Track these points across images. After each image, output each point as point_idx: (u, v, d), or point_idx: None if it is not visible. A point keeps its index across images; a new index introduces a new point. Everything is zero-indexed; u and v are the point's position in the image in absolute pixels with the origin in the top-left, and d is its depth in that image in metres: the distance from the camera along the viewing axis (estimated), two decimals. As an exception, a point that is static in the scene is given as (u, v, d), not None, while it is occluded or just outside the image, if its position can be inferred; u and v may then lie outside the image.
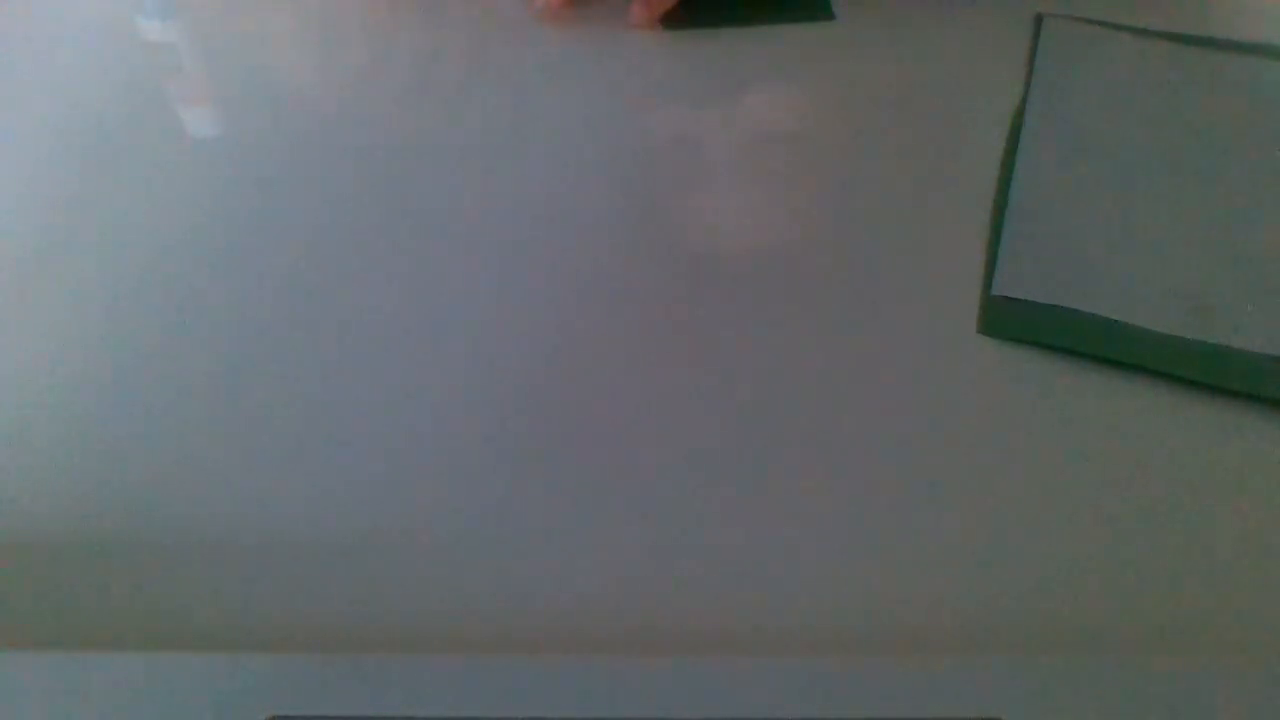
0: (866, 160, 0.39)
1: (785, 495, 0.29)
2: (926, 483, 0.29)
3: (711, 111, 0.39)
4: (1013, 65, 0.42)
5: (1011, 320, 0.33)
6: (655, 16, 0.45)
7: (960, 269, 0.35)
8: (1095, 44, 0.43)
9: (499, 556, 0.27)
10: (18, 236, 0.36)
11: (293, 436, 0.30)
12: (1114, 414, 0.30)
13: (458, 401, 0.31)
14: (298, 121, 0.40)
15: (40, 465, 0.30)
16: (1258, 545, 0.27)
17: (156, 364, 0.32)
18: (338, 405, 0.31)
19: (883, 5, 0.46)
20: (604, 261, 0.35)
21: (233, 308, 0.34)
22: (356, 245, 0.36)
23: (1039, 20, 0.45)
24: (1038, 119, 0.39)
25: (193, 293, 0.34)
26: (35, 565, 0.27)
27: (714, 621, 0.26)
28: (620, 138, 0.40)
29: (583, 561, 0.27)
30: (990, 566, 0.27)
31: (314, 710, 0.23)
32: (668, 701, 0.23)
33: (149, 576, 0.27)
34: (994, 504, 0.28)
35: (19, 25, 0.45)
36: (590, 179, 0.38)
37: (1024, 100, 0.40)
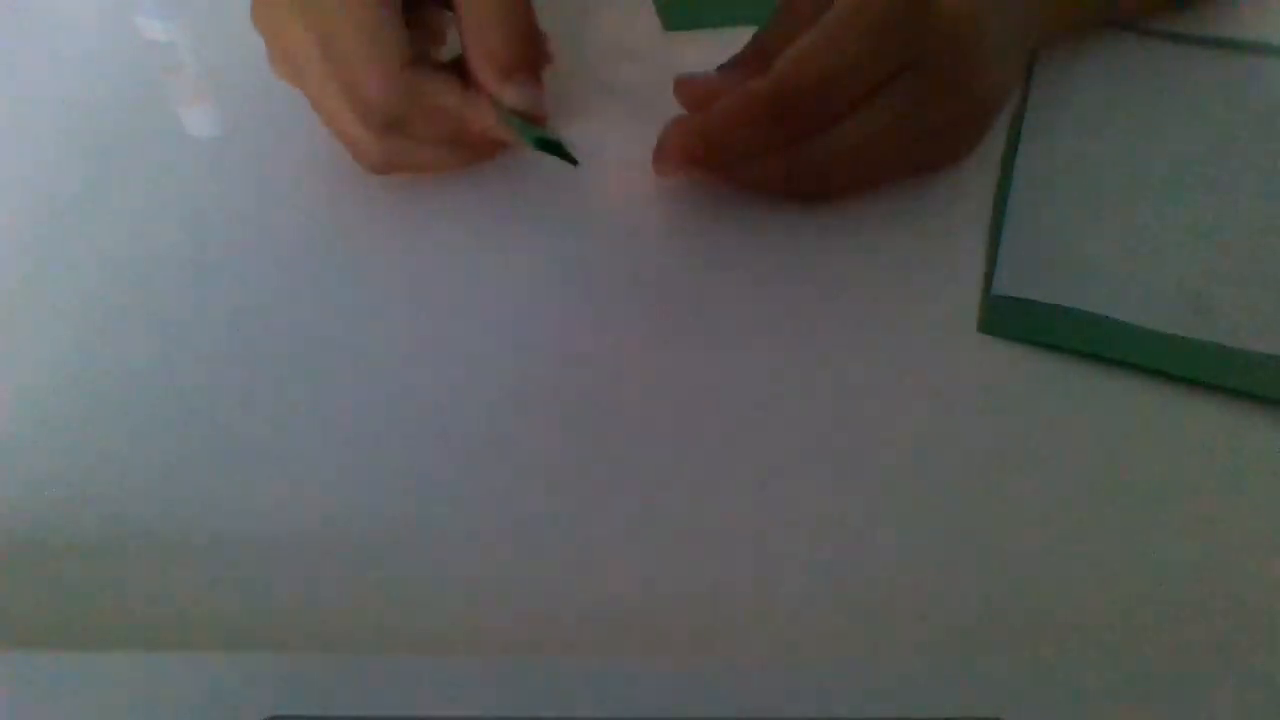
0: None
1: (784, 495, 0.29)
2: (926, 482, 0.29)
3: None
4: (1013, 65, 0.41)
5: (1012, 319, 0.33)
6: (683, 161, 0.36)
7: (960, 269, 0.35)
8: (1096, 43, 0.43)
9: (500, 557, 0.27)
10: (18, 236, 0.36)
11: (294, 436, 0.30)
12: (1114, 414, 0.30)
13: (459, 401, 0.31)
14: (298, 121, 0.40)
15: (40, 465, 0.30)
16: (1258, 545, 0.27)
17: (156, 363, 0.32)
18: (339, 405, 0.31)
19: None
20: (600, 255, 0.35)
21: (233, 307, 0.34)
22: (357, 244, 0.36)
23: (1039, 20, 0.45)
24: (1038, 119, 0.39)
25: (193, 292, 0.34)
26: (35, 565, 0.27)
27: (714, 621, 0.26)
28: (617, 130, 0.40)
29: (583, 561, 0.27)
30: (990, 566, 0.27)
31: (314, 710, 0.23)
32: (667, 701, 0.23)
33: (149, 576, 0.27)
34: (993, 503, 0.28)
35: (19, 25, 0.45)
36: (585, 170, 0.38)
37: (1024, 100, 0.40)
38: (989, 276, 0.34)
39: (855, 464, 0.29)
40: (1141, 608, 0.26)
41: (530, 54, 0.35)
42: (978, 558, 0.27)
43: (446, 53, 0.38)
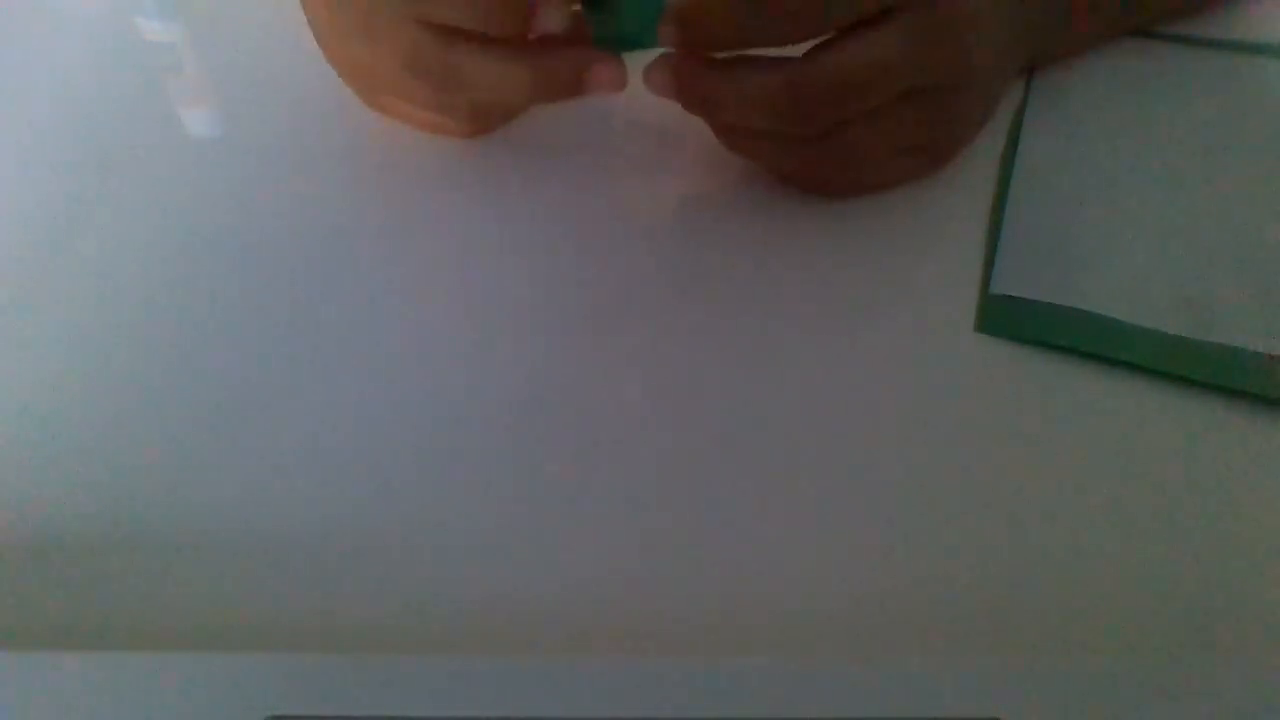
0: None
1: (783, 494, 0.29)
2: (924, 482, 0.29)
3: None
4: (1012, 65, 0.41)
5: (1010, 319, 0.33)
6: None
7: (959, 267, 0.35)
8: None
9: (499, 556, 0.28)
10: (18, 236, 0.36)
11: (294, 436, 0.30)
12: (1114, 413, 0.30)
13: (459, 401, 0.31)
14: (298, 121, 0.40)
15: (40, 465, 0.30)
16: (1258, 545, 0.27)
17: (155, 363, 0.32)
18: (339, 404, 0.31)
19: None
20: (599, 254, 0.35)
21: (232, 307, 0.34)
22: (358, 244, 0.36)
23: (1039, 19, 0.44)
24: (1038, 119, 0.39)
25: (192, 293, 0.34)
26: (35, 565, 0.27)
27: (713, 621, 0.26)
28: (609, 130, 0.40)
29: (582, 561, 0.27)
30: (990, 566, 0.27)
31: (314, 710, 0.23)
32: (668, 701, 0.23)
33: (149, 576, 0.27)
34: (992, 503, 0.28)
35: (19, 25, 0.45)
36: (582, 170, 0.38)
37: (1024, 100, 0.40)
38: (987, 275, 0.34)
39: (852, 464, 0.29)
40: (1141, 607, 0.26)
41: None
42: (977, 558, 0.27)
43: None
